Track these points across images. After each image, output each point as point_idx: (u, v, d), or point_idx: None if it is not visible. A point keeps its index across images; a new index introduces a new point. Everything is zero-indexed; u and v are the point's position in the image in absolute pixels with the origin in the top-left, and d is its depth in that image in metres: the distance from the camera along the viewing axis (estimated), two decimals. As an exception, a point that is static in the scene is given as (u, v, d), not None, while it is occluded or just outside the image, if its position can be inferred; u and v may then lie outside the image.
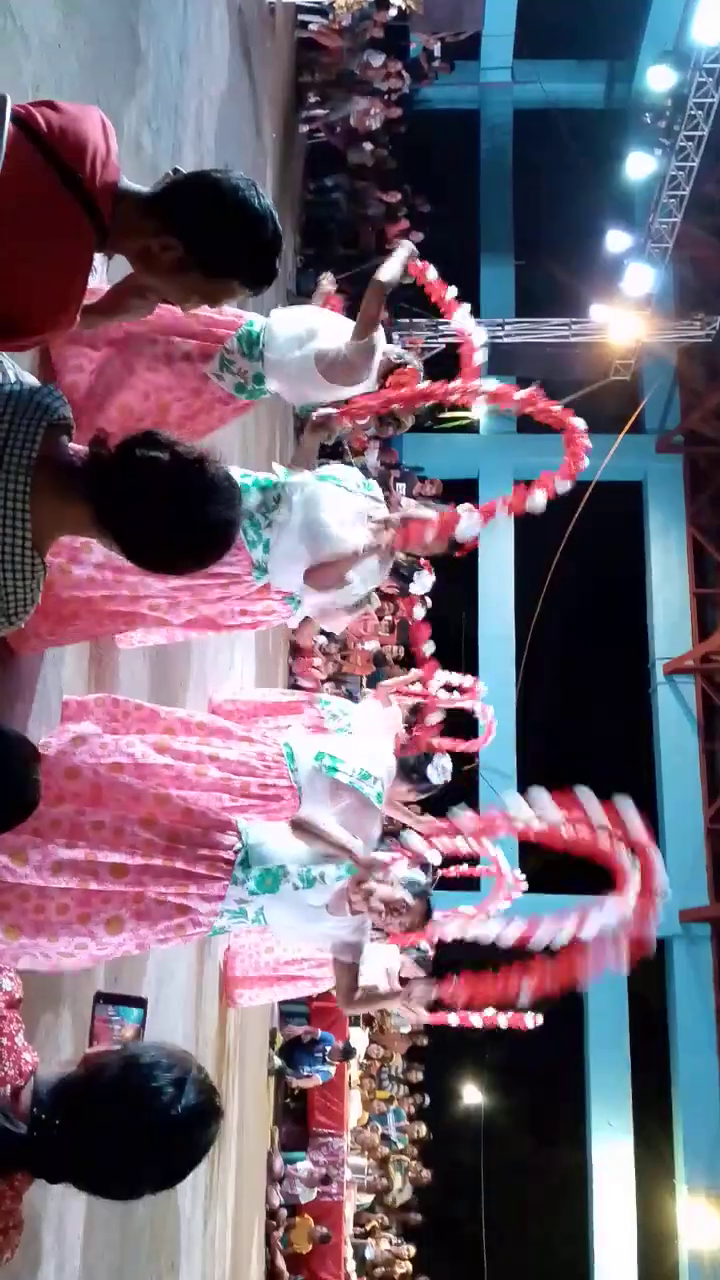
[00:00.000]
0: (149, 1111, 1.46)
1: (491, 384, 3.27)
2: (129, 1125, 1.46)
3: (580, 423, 3.18)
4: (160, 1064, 1.49)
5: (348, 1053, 9.34)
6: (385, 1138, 12.04)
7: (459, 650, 14.13)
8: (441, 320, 10.12)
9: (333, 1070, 9.10)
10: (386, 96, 12.83)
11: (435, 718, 4.23)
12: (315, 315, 3.33)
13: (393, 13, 12.03)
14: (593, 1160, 14.07)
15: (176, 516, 1.59)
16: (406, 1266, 11.70)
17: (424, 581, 7.71)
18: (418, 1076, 13.14)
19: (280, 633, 8.85)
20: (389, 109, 12.96)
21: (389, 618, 10.94)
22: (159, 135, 4.11)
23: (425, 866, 3.79)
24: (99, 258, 2.02)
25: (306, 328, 3.22)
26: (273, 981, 5.25)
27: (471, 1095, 15.39)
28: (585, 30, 16.16)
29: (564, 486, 3.03)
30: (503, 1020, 5.23)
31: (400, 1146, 12.32)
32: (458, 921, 4.03)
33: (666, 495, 15.76)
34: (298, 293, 10.25)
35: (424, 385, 3.30)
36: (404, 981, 4.38)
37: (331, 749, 3.45)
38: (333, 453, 12.54)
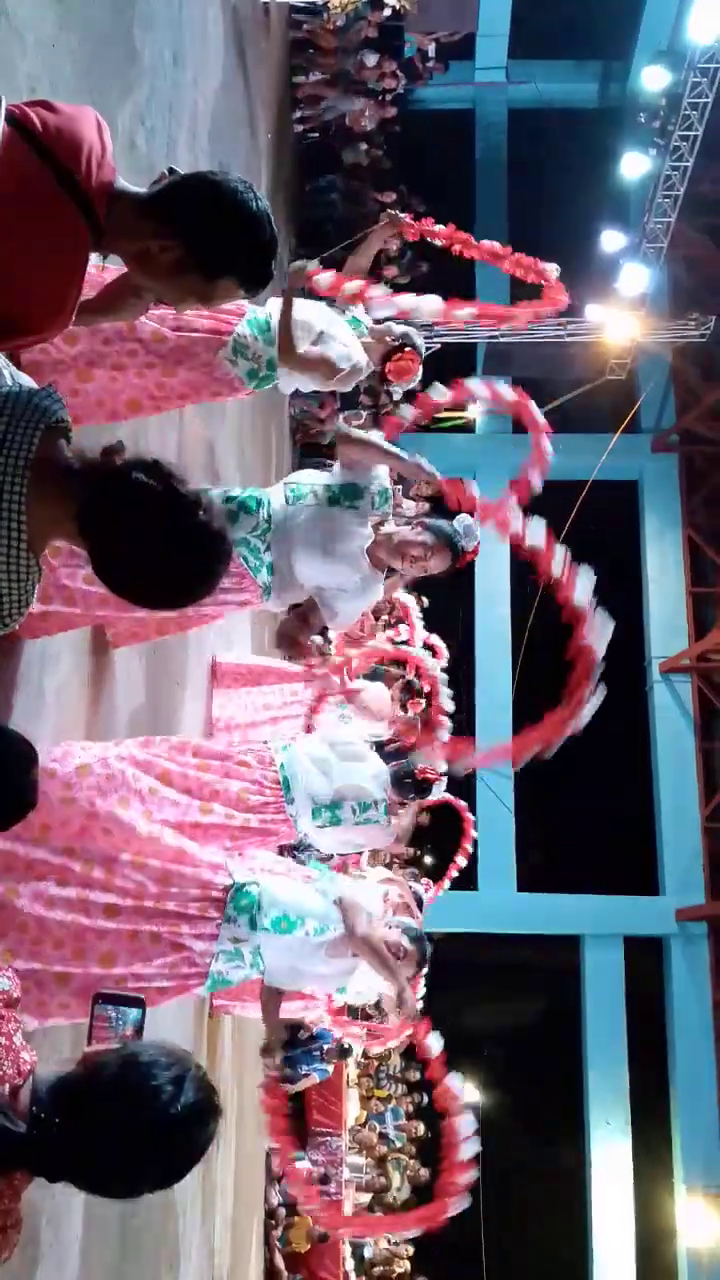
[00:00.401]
0: (147, 1110, 1.46)
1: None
2: (127, 1124, 1.45)
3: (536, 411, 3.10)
4: (159, 1062, 1.49)
5: (345, 1052, 9.34)
6: (383, 1136, 12.05)
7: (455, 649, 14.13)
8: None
9: (330, 1069, 9.09)
10: (381, 96, 12.83)
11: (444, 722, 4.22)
12: (309, 309, 3.32)
13: (387, 13, 12.03)
14: (591, 1159, 14.07)
15: (150, 549, 1.56)
16: (405, 1265, 11.71)
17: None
18: (415, 1075, 13.15)
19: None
20: (384, 109, 12.96)
21: (385, 617, 10.94)
22: (154, 135, 4.11)
23: (420, 903, 3.79)
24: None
25: (303, 318, 3.21)
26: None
27: (469, 1094, 15.40)
28: (580, 30, 16.15)
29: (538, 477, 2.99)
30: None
31: (398, 1145, 12.33)
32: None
33: (662, 495, 15.77)
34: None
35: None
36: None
37: (326, 794, 3.50)
38: (328, 454, 12.56)
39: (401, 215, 3.44)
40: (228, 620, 5.68)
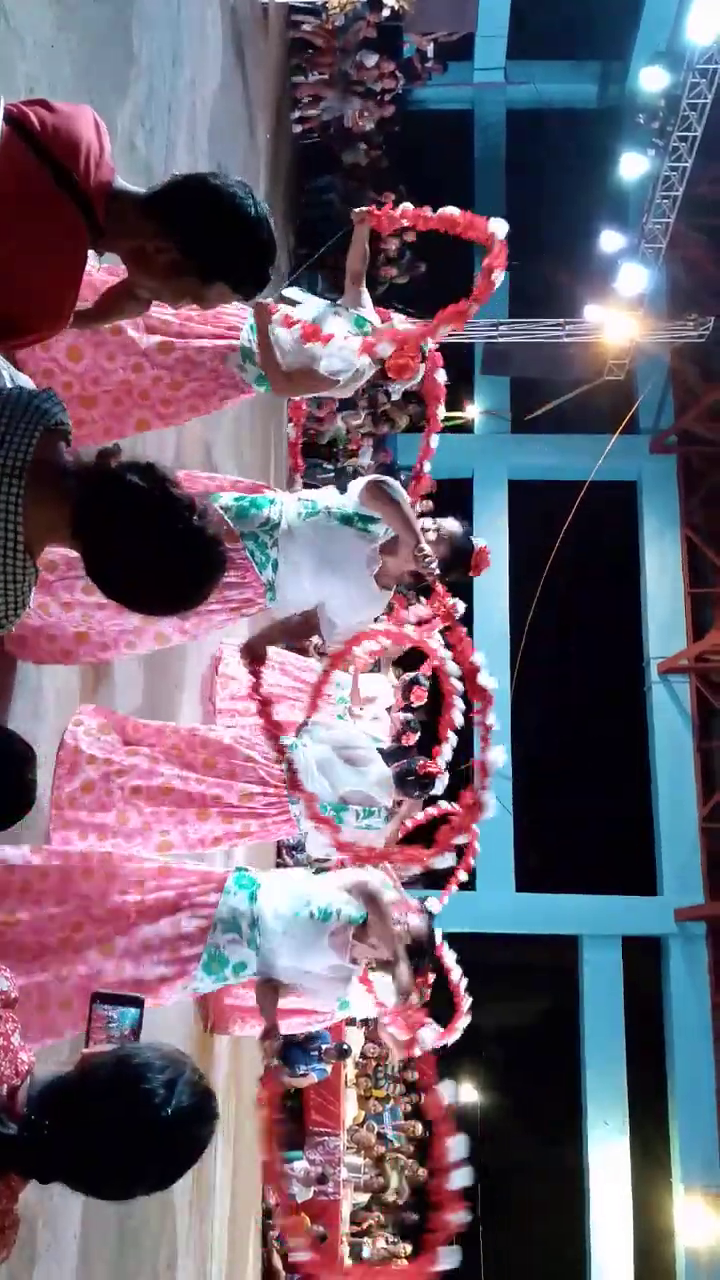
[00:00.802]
0: (140, 1112, 1.45)
1: None
2: (119, 1126, 1.45)
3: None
4: (153, 1065, 1.49)
5: (343, 1052, 9.35)
6: (381, 1136, 12.05)
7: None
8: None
9: (329, 1069, 9.10)
10: (380, 97, 12.84)
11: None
12: (310, 306, 3.31)
13: (386, 13, 12.03)
14: (589, 1159, 14.08)
15: (142, 551, 1.56)
16: (403, 1265, 11.70)
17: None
18: (413, 1075, 13.15)
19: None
20: (382, 109, 12.97)
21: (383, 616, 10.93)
22: (152, 135, 4.12)
23: (430, 917, 3.79)
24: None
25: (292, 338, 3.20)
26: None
27: (467, 1094, 15.39)
28: (579, 31, 16.16)
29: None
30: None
31: (397, 1145, 12.33)
32: None
33: (661, 495, 15.77)
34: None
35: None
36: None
37: (330, 797, 3.54)
38: (327, 454, 12.56)
39: (367, 209, 3.35)
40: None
